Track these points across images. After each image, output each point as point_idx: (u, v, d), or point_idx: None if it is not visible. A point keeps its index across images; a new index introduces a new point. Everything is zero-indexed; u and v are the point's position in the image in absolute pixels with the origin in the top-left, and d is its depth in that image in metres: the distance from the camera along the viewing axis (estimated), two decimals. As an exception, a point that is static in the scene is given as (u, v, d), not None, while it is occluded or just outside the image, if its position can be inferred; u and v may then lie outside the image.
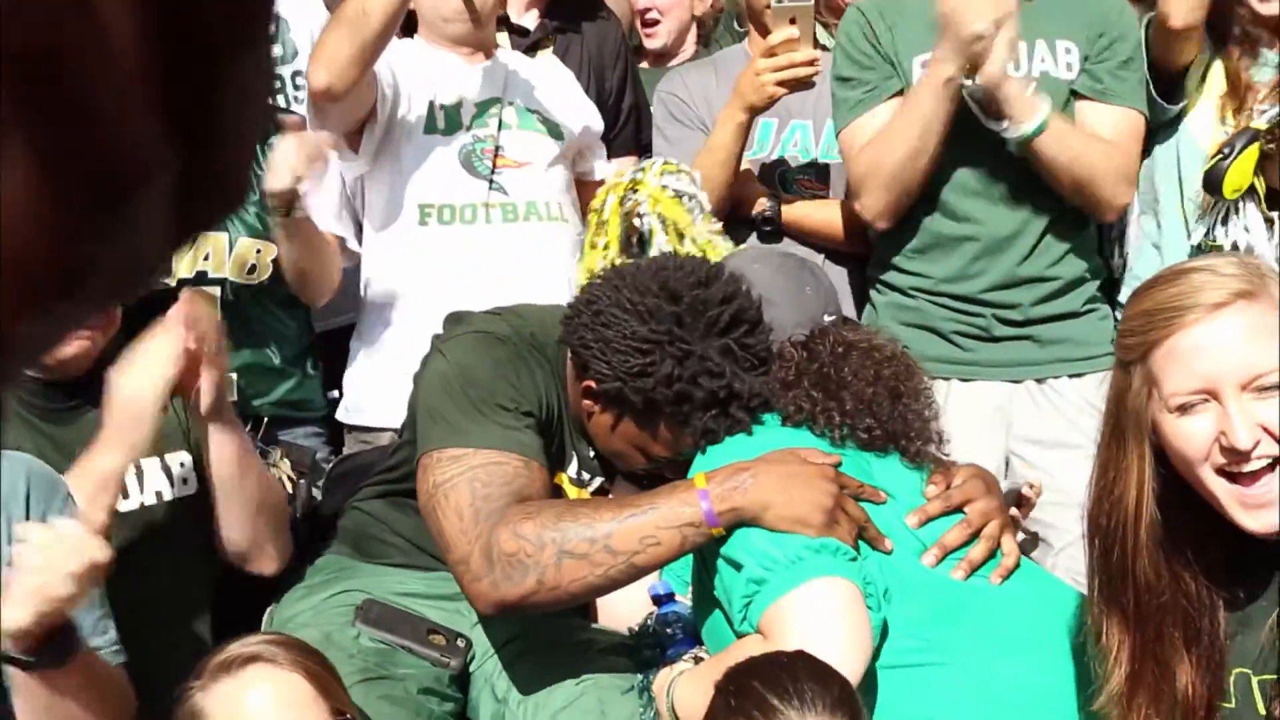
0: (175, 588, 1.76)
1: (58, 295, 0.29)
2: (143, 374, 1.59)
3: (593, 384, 1.58)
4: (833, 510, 1.42)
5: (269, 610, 1.76)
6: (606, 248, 2.02)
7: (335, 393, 2.34)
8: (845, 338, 1.61)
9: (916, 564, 1.47)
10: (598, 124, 2.36)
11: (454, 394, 1.58)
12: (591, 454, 1.70)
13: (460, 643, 1.69)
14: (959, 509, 1.53)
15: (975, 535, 1.51)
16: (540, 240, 2.23)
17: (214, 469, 1.72)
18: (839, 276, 2.22)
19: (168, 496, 1.76)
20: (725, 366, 1.53)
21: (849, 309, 2.17)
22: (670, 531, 1.44)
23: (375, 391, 2.21)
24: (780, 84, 2.10)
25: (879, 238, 2.20)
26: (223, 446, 1.72)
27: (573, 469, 1.70)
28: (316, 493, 1.97)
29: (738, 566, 1.42)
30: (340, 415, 2.29)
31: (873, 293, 2.21)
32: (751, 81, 2.12)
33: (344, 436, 2.29)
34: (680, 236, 2.01)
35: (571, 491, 1.71)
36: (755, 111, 2.17)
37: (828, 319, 1.72)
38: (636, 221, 2.01)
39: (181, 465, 1.77)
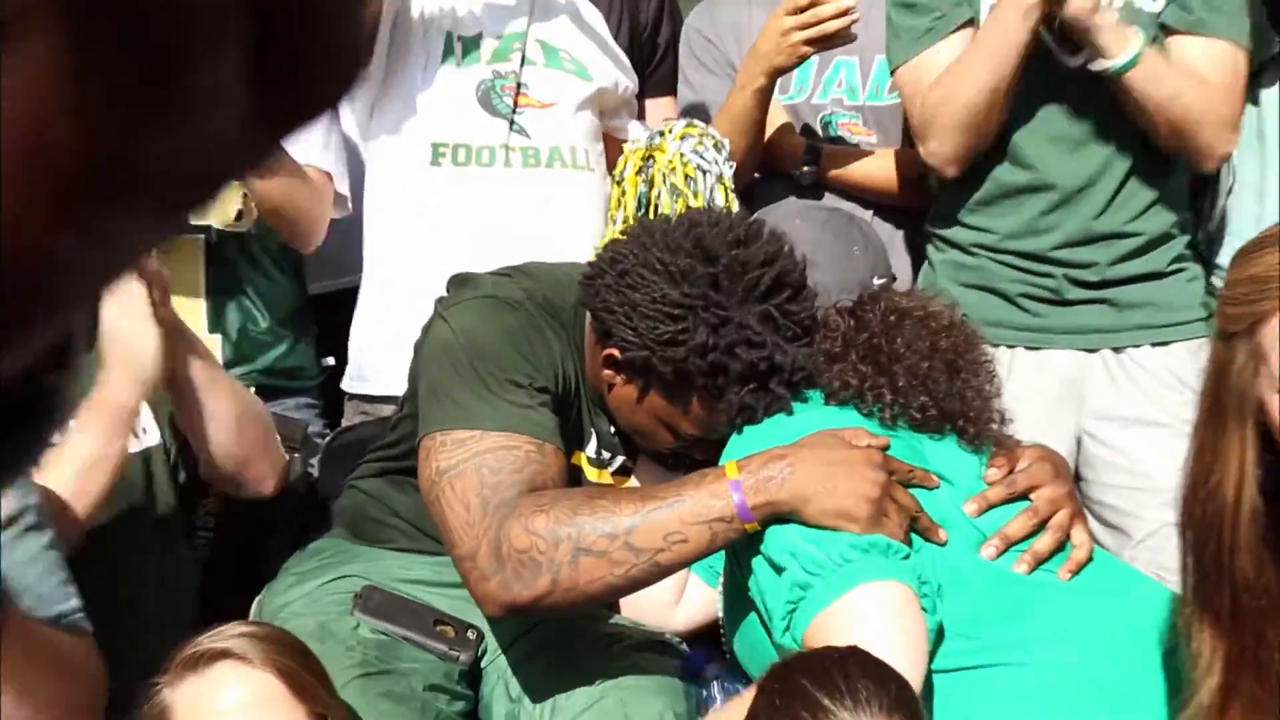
0: (149, 555, 1.78)
1: (98, 200, 0.25)
2: (129, 306, 1.65)
3: (616, 353, 1.59)
4: (880, 501, 1.42)
5: (258, 599, 1.78)
6: (625, 222, 2.03)
7: (330, 359, 2.35)
8: (897, 304, 1.60)
9: (975, 557, 1.48)
10: (632, 83, 2.34)
11: (460, 368, 1.58)
12: (612, 430, 1.71)
13: (471, 634, 1.70)
14: (1023, 496, 1.53)
15: (1042, 525, 1.51)
16: (564, 189, 2.22)
17: (180, 386, 1.75)
18: (889, 235, 2.21)
19: (132, 449, 1.77)
20: (765, 336, 1.53)
21: (902, 271, 2.14)
22: (698, 527, 1.44)
23: (380, 354, 2.21)
24: (810, 42, 2.05)
25: (939, 189, 2.18)
26: (186, 362, 1.74)
27: (591, 447, 1.71)
28: (312, 470, 2.01)
29: (777, 569, 1.42)
30: (345, 383, 2.29)
31: (930, 250, 2.20)
32: (776, 40, 2.06)
33: (343, 406, 2.31)
34: None
35: (590, 473, 1.72)
36: (780, 74, 2.12)
37: (877, 282, 1.72)
38: (651, 192, 2.02)
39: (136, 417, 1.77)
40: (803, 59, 2.10)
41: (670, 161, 2.02)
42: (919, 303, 1.63)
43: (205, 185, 0.27)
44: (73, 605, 1.50)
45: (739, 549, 1.49)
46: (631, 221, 2.02)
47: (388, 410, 2.11)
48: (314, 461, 2.04)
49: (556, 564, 1.46)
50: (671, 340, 1.54)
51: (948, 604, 1.44)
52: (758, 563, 1.46)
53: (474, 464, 1.52)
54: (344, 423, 2.27)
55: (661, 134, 2.06)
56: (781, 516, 1.44)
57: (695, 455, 1.67)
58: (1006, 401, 1.62)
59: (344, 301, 2.34)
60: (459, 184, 2.21)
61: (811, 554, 1.40)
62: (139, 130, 0.25)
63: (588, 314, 1.65)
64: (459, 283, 1.72)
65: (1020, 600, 1.47)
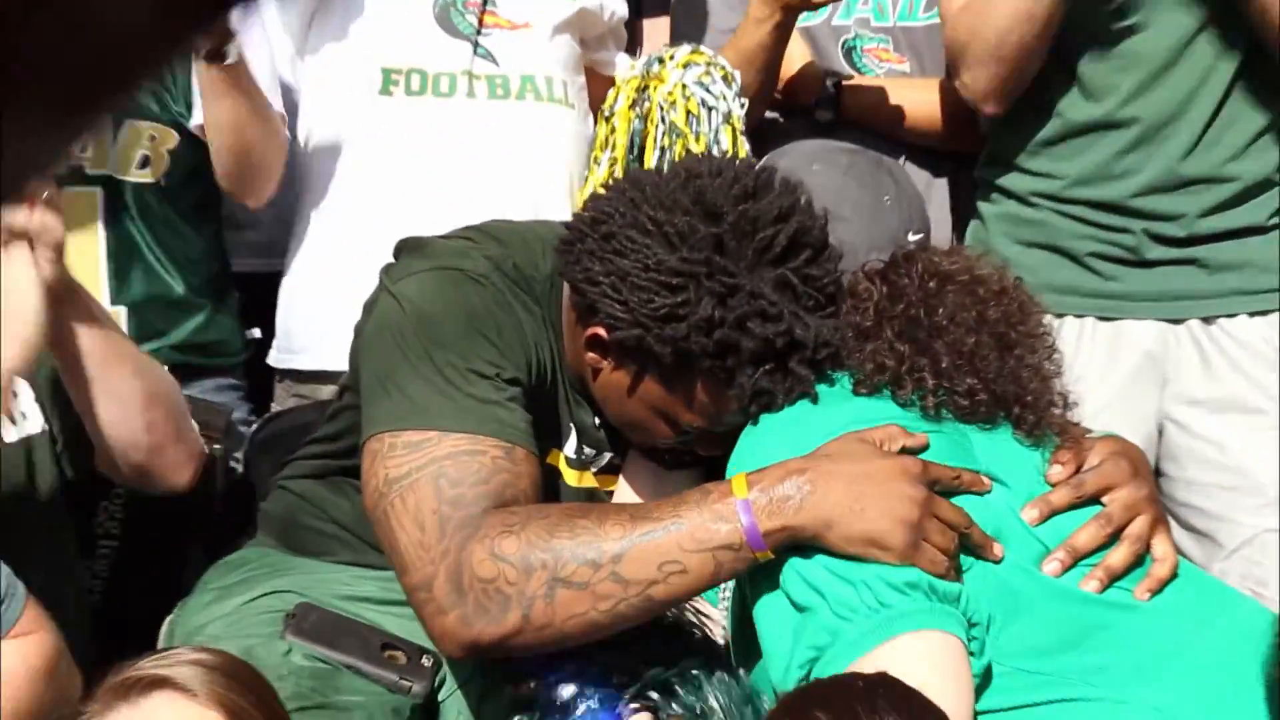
0: (30, 568, 1.69)
1: None
2: (9, 259, 1.61)
3: (601, 332, 1.57)
4: (919, 523, 1.40)
5: (168, 620, 1.74)
6: (613, 164, 2.00)
7: (256, 332, 2.32)
8: (938, 266, 1.57)
9: (1036, 574, 1.44)
10: (621, 8, 2.32)
11: (413, 355, 1.56)
12: (596, 422, 1.69)
13: (426, 661, 1.66)
14: (1094, 499, 1.50)
15: (1116, 534, 1.48)
16: (537, 126, 2.19)
17: (71, 359, 1.70)
18: (925, 183, 2.19)
19: (9, 439, 1.74)
20: (782, 305, 1.51)
21: (940, 227, 2.12)
22: (700, 555, 1.42)
23: (314, 321, 2.19)
24: None
25: (991, 127, 2.17)
26: (79, 330, 1.69)
27: (571, 445, 1.70)
28: (236, 464, 1.96)
29: (798, 607, 1.40)
30: (272, 357, 2.27)
31: (981, 202, 2.17)
32: None
33: (272, 387, 2.27)
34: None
35: (570, 475, 1.70)
36: (800, 10, 2.09)
37: (912, 239, 1.69)
38: (647, 129, 1.99)
39: (14, 395, 1.75)
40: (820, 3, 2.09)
41: (670, 94, 2.00)
42: (963, 264, 1.60)
43: (111, 80, 0.29)
44: None
45: (750, 573, 1.47)
46: (622, 165, 1.99)
47: (327, 391, 2.07)
48: (239, 454, 1.99)
49: (529, 597, 1.44)
50: (670, 315, 1.52)
51: (1004, 633, 1.41)
52: (773, 597, 1.44)
53: (430, 473, 1.50)
54: (274, 407, 2.23)
55: (661, 61, 2.03)
56: (800, 543, 1.42)
57: (699, 451, 1.65)
58: (1072, 383, 1.59)
59: (274, 281, 2.32)
60: (412, 117, 2.18)
61: (842, 594, 1.39)
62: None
63: (566, 286, 1.63)
64: (409, 249, 1.70)
65: (1090, 625, 1.44)
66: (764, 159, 1.76)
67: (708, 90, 2.01)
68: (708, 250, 1.51)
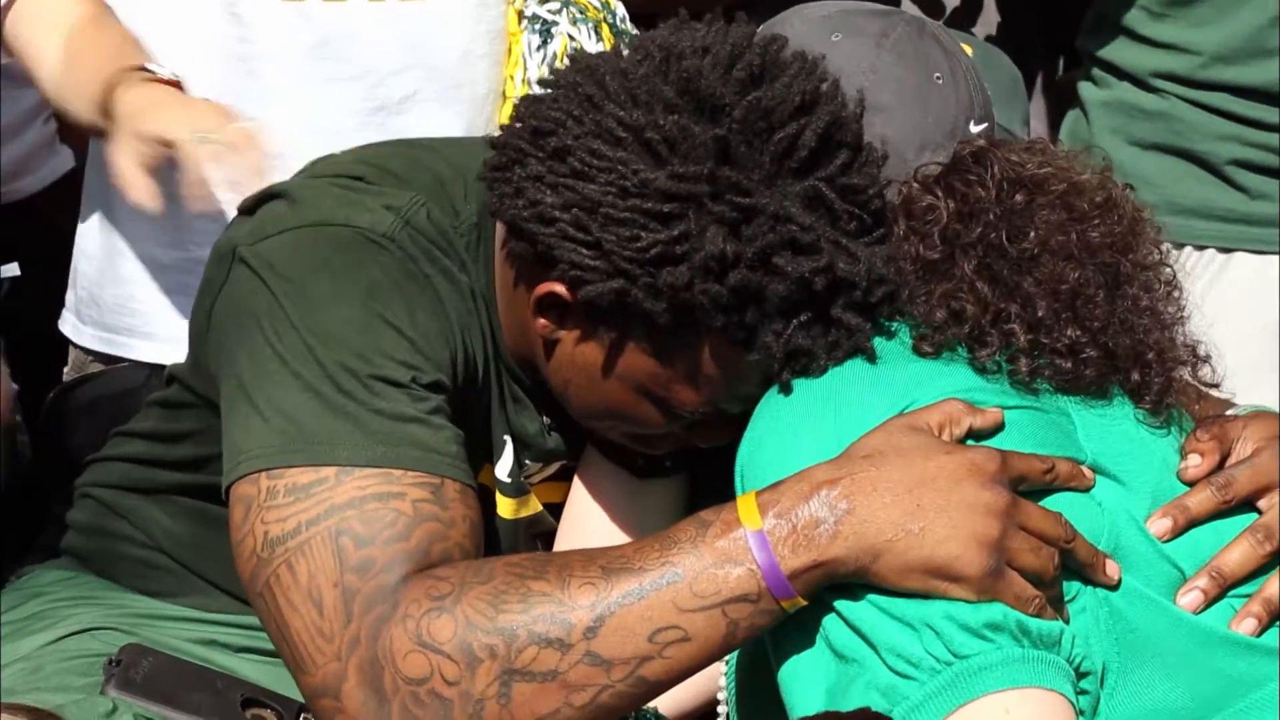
0: None
1: None
2: None
3: (560, 289, 1.60)
4: (1000, 542, 1.41)
5: None
6: (526, 83, 2.12)
7: (13, 268, 2.39)
8: (1020, 168, 1.60)
9: (1167, 607, 1.49)
10: None
11: (289, 355, 1.58)
12: (546, 423, 1.75)
13: None
14: (1247, 504, 1.55)
15: (1279, 554, 1.53)
16: (432, 20, 2.25)
17: None
18: (983, 56, 2.14)
19: None
20: (818, 229, 1.54)
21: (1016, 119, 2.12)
22: (705, 615, 1.44)
23: (153, 294, 2.24)
24: None
25: None
26: None
27: (505, 462, 1.75)
28: (23, 447, 2.02)
29: (841, 657, 1.43)
30: (66, 326, 2.32)
31: (1081, 86, 2.22)
32: None
33: (66, 351, 2.32)
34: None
35: (504, 505, 1.76)
36: None
37: (975, 130, 1.72)
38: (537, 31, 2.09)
39: None
40: None
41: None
42: (1054, 165, 1.62)
43: None
44: None
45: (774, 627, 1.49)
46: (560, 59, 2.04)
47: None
48: (24, 439, 2.04)
49: (476, 699, 1.45)
50: (663, 257, 1.54)
51: (1121, 689, 1.45)
52: (810, 655, 1.47)
53: (327, 529, 1.51)
54: (69, 371, 2.28)
55: None
56: (840, 580, 1.44)
57: (698, 443, 1.70)
58: (1206, 336, 1.63)
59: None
60: (264, 10, 2.21)
61: (899, 642, 1.40)
62: None
63: (499, 230, 1.67)
64: (271, 197, 1.70)
65: (1241, 681, 1.48)
66: (760, 28, 1.75)
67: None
68: (709, 160, 1.53)
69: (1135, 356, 1.56)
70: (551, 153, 1.57)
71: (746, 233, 1.53)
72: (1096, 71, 2.21)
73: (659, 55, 1.59)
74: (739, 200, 1.52)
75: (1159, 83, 2.17)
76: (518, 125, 1.63)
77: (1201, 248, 2.14)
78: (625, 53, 1.65)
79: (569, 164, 1.56)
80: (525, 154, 1.59)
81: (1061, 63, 2.56)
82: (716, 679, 1.76)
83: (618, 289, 1.56)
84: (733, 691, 1.68)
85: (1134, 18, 2.17)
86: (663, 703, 1.87)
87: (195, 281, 1.77)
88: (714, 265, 1.53)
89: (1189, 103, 2.16)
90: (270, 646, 1.65)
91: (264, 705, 1.73)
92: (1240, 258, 2.16)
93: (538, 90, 1.66)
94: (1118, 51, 2.19)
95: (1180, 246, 2.05)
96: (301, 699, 1.70)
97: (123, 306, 2.26)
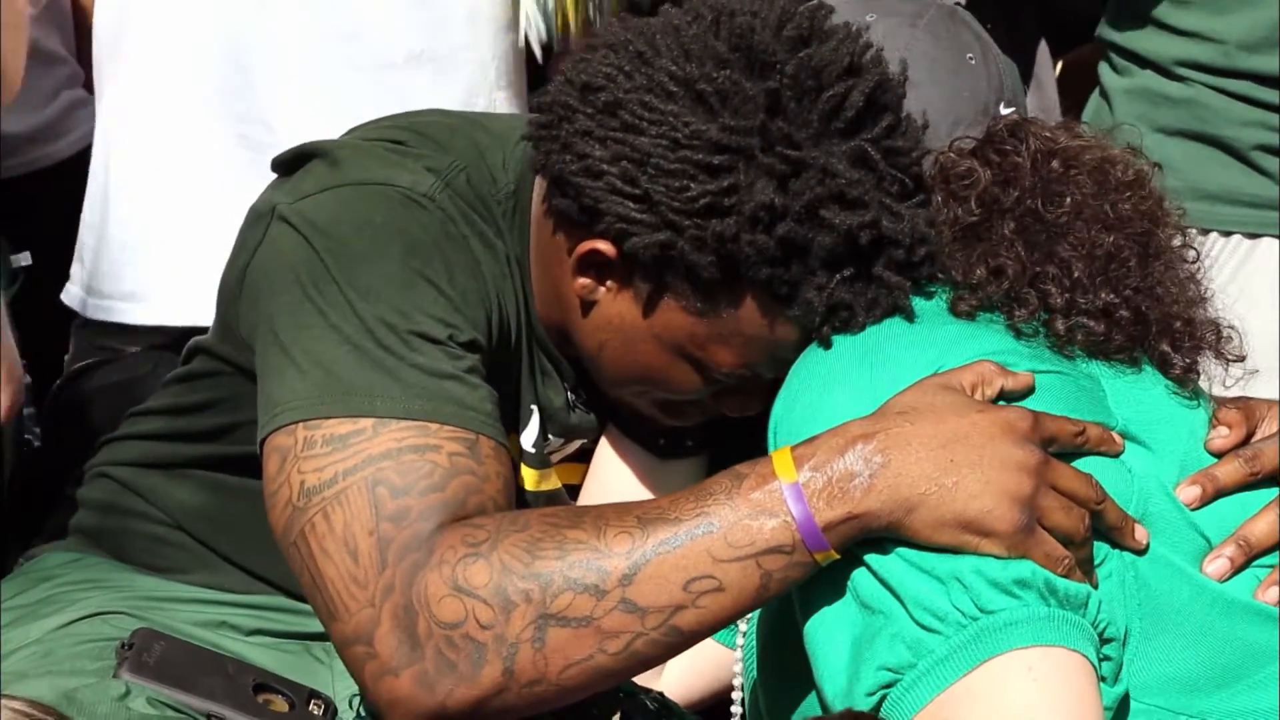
0: None
1: None
2: None
3: (604, 246, 1.61)
4: (1032, 499, 1.42)
5: None
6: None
7: (24, 257, 2.37)
8: (1055, 141, 1.62)
9: (1192, 575, 1.49)
10: None
11: (329, 309, 1.59)
12: (570, 399, 1.75)
13: (315, 709, 1.73)
14: (1271, 479, 1.55)
15: None
16: None
17: None
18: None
19: None
20: (866, 186, 1.55)
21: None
22: (739, 565, 1.45)
23: (152, 258, 2.23)
24: None
25: None
26: None
27: (531, 433, 1.76)
28: (31, 436, 2.02)
29: (868, 609, 1.44)
30: (69, 296, 2.32)
31: (1104, 73, 2.23)
32: None
33: (71, 336, 2.31)
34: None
35: (528, 476, 1.76)
36: None
37: (1005, 112, 1.74)
38: None
39: None
40: None
41: None
42: (1085, 139, 1.64)
43: None
44: None
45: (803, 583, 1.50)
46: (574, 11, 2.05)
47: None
48: (34, 429, 2.05)
49: (511, 643, 1.46)
50: (711, 207, 1.55)
51: (1142, 654, 1.45)
52: (837, 608, 1.47)
53: (363, 479, 1.52)
54: (70, 360, 2.27)
55: None
56: (874, 534, 1.45)
57: (728, 413, 1.70)
58: (1233, 313, 1.65)
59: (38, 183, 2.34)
60: None
61: (926, 595, 1.41)
62: None
63: (537, 193, 1.67)
64: (309, 156, 1.71)
65: (1263, 651, 1.48)
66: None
67: None
68: (760, 114, 1.55)
69: (1165, 324, 1.58)
70: (601, 107, 1.59)
71: (795, 186, 1.55)
72: (1118, 59, 2.23)
73: (710, 15, 1.62)
74: (789, 153, 1.55)
75: (1183, 70, 2.18)
76: (564, 83, 1.65)
77: (1228, 233, 2.15)
78: (674, 13, 1.66)
79: (620, 117, 1.58)
80: (573, 109, 1.61)
81: (1048, 50, 2.57)
82: (731, 667, 1.75)
83: (664, 240, 1.57)
84: (751, 662, 1.68)
85: (1157, 6, 2.18)
86: (675, 692, 1.87)
87: (188, 242, 1.77)
88: (763, 216, 1.56)
89: (1214, 89, 2.18)
90: (282, 628, 1.70)
91: (275, 690, 1.73)
92: (1267, 243, 2.18)
93: (599, 45, 1.67)
94: (1141, 40, 2.21)
95: (1206, 232, 2.08)
96: (310, 686, 1.74)
97: (118, 273, 2.28)
